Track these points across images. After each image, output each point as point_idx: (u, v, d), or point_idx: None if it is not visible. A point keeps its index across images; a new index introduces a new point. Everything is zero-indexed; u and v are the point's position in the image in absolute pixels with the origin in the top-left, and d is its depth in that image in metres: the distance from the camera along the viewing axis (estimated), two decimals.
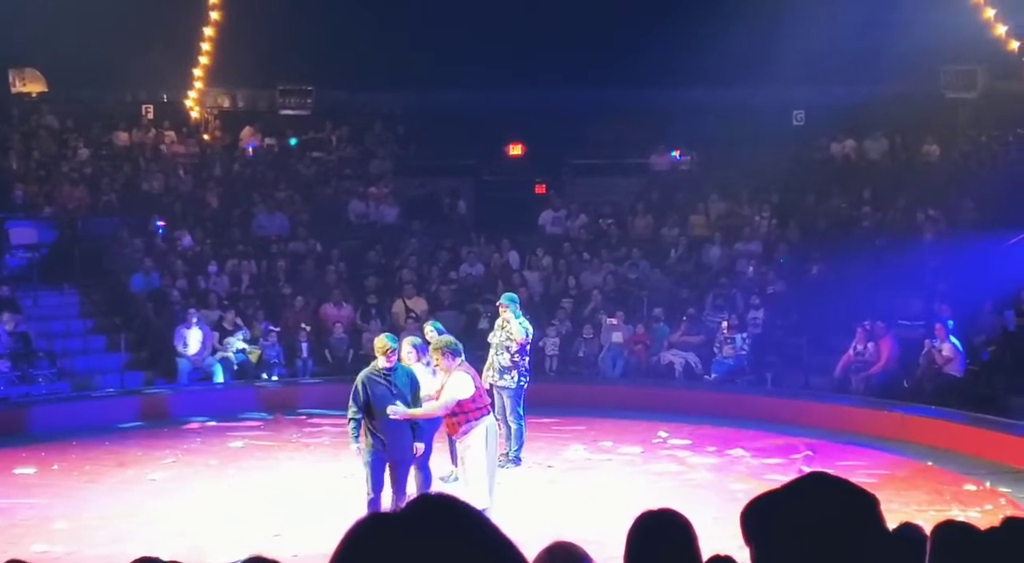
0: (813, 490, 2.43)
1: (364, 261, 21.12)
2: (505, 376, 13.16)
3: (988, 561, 3.55)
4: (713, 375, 18.06)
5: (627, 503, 10.18)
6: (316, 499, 11.92)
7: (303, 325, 18.70)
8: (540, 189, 23.74)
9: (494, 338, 13.43)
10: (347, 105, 25.68)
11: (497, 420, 11.42)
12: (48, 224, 20.54)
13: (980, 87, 22.46)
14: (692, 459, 14.06)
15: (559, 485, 12.83)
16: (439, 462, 11.73)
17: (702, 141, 23.36)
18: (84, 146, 22.95)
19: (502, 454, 12.26)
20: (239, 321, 18.58)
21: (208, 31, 24.89)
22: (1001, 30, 22.59)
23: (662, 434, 15.25)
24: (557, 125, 23.38)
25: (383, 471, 10.06)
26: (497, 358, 13.24)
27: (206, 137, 24.98)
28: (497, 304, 13.89)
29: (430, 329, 12.31)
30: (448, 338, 10.51)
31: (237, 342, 18.26)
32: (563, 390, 17.44)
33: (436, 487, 11.08)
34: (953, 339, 16.07)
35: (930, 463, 13.60)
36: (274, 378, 18.28)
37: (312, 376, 18.39)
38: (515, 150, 24.84)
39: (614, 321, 18.71)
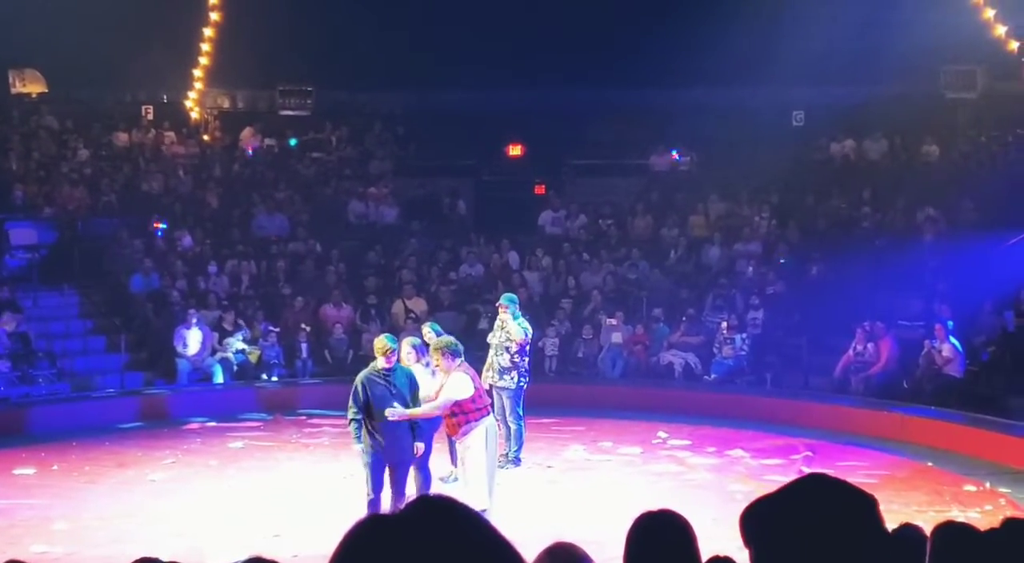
0: (812, 491, 2.43)
1: (364, 261, 21.13)
2: (505, 377, 13.16)
3: (988, 562, 3.55)
4: (713, 375, 18.06)
5: (627, 504, 10.19)
6: (316, 499, 11.92)
7: (303, 326, 18.71)
8: (540, 189, 23.75)
9: (493, 339, 13.42)
10: (347, 105, 25.69)
11: (497, 421, 11.42)
12: (48, 225, 20.54)
13: (980, 87, 22.47)
14: (692, 460, 14.06)
15: (559, 486, 12.83)
16: (439, 463, 11.73)
17: (702, 141, 23.37)
18: (84, 147, 22.95)
19: (502, 455, 12.26)
20: (240, 322, 18.59)
21: (208, 32, 24.89)
22: (1001, 30, 22.59)
23: (662, 434, 15.25)
24: (557, 125, 23.38)
25: (383, 471, 10.06)
26: (497, 359, 13.24)
27: (206, 138, 24.99)
28: (497, 304, 13.90)
29: (428, 330, 12.30)
30: (448, 339, 10.51)
31: (237, 343, 18.26)
32: (563, 390, 17.44)
33: (436, 488, 11.09)
34: (953, 340, 16.07)
35: (930, 464, 13.59)
36: (274, 379, 18.29)
37: (312, 377, 18.39)
38: (515, 150, 24.83)
39: (614, 321, 18.72)
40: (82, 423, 15.88)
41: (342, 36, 23.53)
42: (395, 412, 9.83)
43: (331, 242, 21.33)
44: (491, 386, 12.83)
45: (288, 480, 13.02)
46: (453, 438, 10.82)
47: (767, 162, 21.58)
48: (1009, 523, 3.61)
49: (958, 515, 10.49)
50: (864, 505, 2.41)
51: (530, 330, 13.58)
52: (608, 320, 18.78)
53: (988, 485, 12.54)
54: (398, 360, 10.32)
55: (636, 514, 3.64)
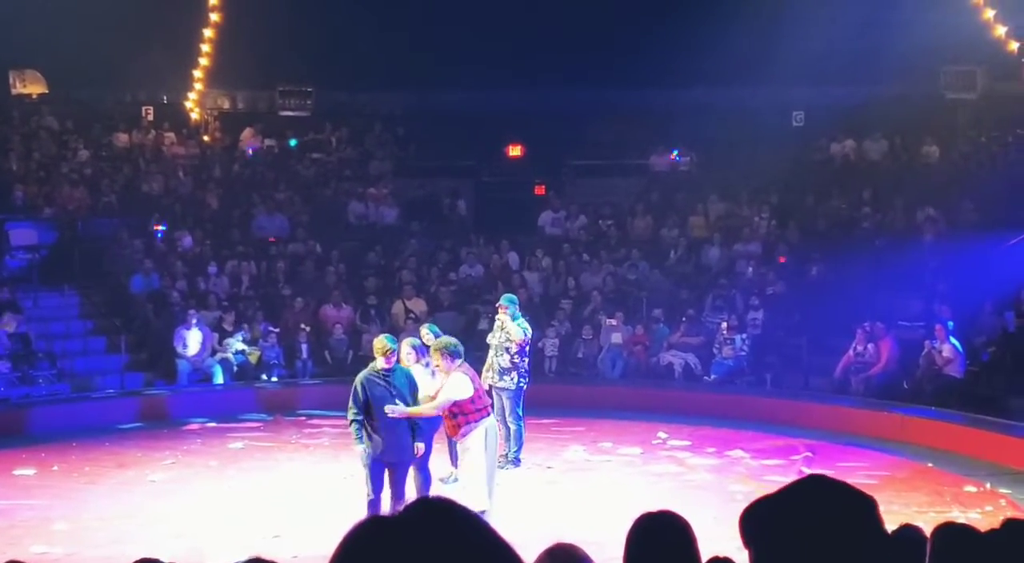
0: (812, 493, 2.43)
1: (364, 262, 21.13)
2: (504, 377, 13.16)
3: None
4: (713, 376, 18.06)
5: (626, 504, 10.19)
6: (316, 500, 11.92)
7: (303, 326, 18.71)
8: (540, 190, 23.75)
9: (493, 339, 13.42)
10: (347, 106, 25.69)
11: (497, 421, 11.41)
12: (48, 225, 20.55)
13: (980, 88, 22.46)
14: (692, 460, 14.05)
15: (558, 486, 12.82)
16: (439, 464, 11.73)
17: (702, 142, 23.37)
18: (84, 147, 22.95)
19: (501, 455, 12.25)
20: (246, 326, 18.58)
21: (208, 32, 24.88)
22: (1001, 31, 22.58)
23: (661, 435, 15.25)
24: (557, 126, 23.38)
25: (383, 472, 10.06)
26: (496, 359, 13.24)
27: (206, 138, 24.99)
28: (496, 305, 13.90)
29: (426, 332, 12.24)
30: (449, 339, 10.49)
31: (237, 343, 18.26)
32: (562, 391, 17.44)
33: (435, 488, 11.09)
34: (953, 340, 16.07)
35: (930, 464, 13.59)
36: (274, 379, 18.29)
37: (312, 377, 18.39)
38: (515, 151, 24.83)
39: (613, 322, 18.72)
40: (82, 424, 15.88)
41: (342, 36, 23.53)
42: (395, 410, 9.84)
43: (331, 243, 21.33)
44: (491, 387, 12.83)
45: (288, 481, 13.02)
46: (453, 439, 10.82)
47: (767, 162, 21.57)
48: (1009, 524, 3.61)
49: (958, 516, 10.50)
50: (864, 506, 2.41)
51: (529, 330, 13.57)
52: (608, 321, 18.78)
53: (988, 486, 12.54)
54: (397, 360, 10.32)
55: (636, 515, 3.64)
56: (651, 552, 3.57)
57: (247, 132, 24.73)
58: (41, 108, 23.67)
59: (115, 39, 21.53)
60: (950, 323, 16.25)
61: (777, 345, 18.13)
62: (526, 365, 13.38)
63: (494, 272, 20.88)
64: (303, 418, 16.68)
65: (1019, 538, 3.53)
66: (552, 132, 23.45)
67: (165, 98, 25.25)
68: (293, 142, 24.86)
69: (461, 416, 10.05)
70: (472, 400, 10.04)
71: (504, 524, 8.70)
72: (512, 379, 13.16)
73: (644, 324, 18.95)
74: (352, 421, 10.03)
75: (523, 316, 13.81)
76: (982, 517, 10.82)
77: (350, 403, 10.04)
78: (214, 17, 24.75)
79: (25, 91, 23.75)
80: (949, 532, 3.84)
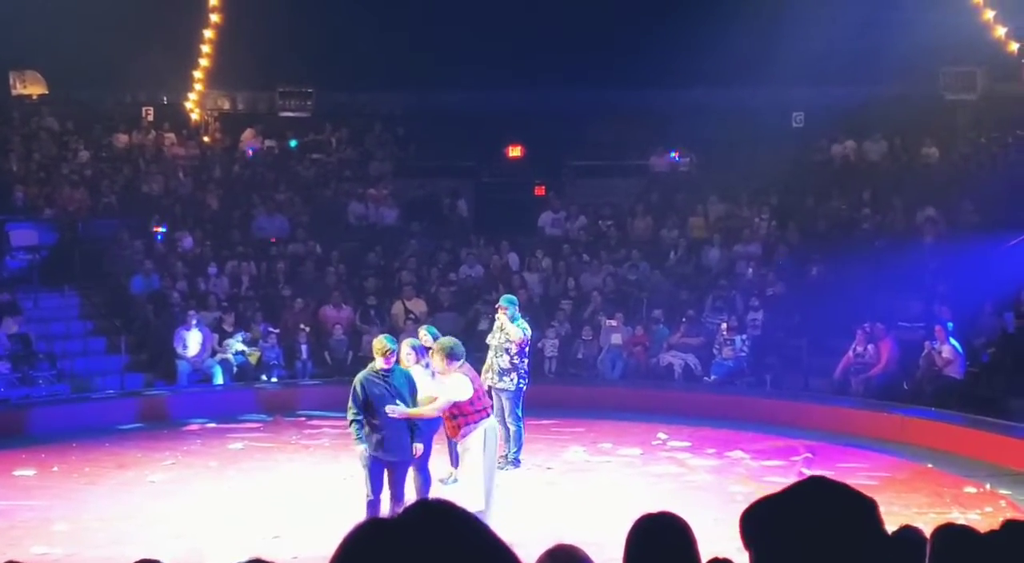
0: (812, 494, 2.43)
1: (364, 263, 21.14)
2: (504, 378, 13.15)
3: None
4: (712, 377, 18.06)
5: (626, 505, 10.20)
6: (316, 501, 11.92)
7: (302, 327, 18.71)
8: (540, 190, 23.75)
9: (493, 340, 13.42)
10: (347, 106, 25.69)
11: (496, 422, 11.40)
12: (48, 226, 20.54)
13: (980, 89, 22.46)
14: (692, 461, 14.05)
15: (558, 487, 12.82)
16: (439, 464, 11.73)
17: (701, 142, 23.36)
18: (84, 148, 22.95)
19: (501, 456, 12.24)
20: (246, 326, 18.58)
21: (208, 33, 24.88)
22: (1001, 32, 22.59)
23: (661, 436, 15.24)
24: (557, 126, 23.38)
25: (382, 473, 10.05)
26: (496, 360, 13.23)
27: (206, 139, 24.99)
28: (496, 306, 13.89)
29: (424, 333, 12.18)
30: (450, 340, 10.48)
31: (237, 344, 18.26)
32: (562, 392, 17.44)
33: (435, 489, 11.09)
34: (953, 341, 16.07)
35: (930, 465, 13.59)
36: (273, 380, 18.29)
37: (311, 378, 18.39)
38: (515, 151, 24.83)
39: (613, 323, 18.72)
40: (82, 424, 15.89)
41: (342, 37, 23.53)
42: (395, 409, 9.84)
43: (331, 243, 21.34)
44: (490, 388, 12.82)
45: (288, 481, 13.02)
46: (453, 440, 10.82)
47: (767, 163, 21.57)
48: (1009, 525, 3.61)
49: (958, 517, 10.50)
50: (864, 508, 2.41)
51: (528, 330, 13.56)
52: (608, 321, 18.78)
53: (988, 487, 12.53)
54: (397, 361, 10.32)
55: (636, 516, 3.64)
56: (651, 553, 3.57)
57: (247, 133, 24.74)
58: (41, 109, 23.67)
59: (115, 39, 21.53)
60: (950, 324, 16.25)
61: (777, 346, 18.13)
62: (526, 366, 13.37)
63: (494, 273, 20.88)
64: (303, 419, 16.68)
65: (1019, 539, 3.53)
66: (552, 132, 23.45)
67: (165, 99, 25.26)
68: (293, 143, 24.87)
69: (461, 417, 10.04)
70: (472, 401, 10.04)
71: (504, 525, 8.71)
72: (512, 380, 13.16)
73: (644, 325, 18.95)
74: (352, 421, 10.03)
75: (523, 317, 13.80)
76: (982, 518, 10.81)
77: (350, 403, 10.04)
78: (214, 18, 24.75)
79: (25, 92, 23.75)
80: (949, 533, 3.84)
